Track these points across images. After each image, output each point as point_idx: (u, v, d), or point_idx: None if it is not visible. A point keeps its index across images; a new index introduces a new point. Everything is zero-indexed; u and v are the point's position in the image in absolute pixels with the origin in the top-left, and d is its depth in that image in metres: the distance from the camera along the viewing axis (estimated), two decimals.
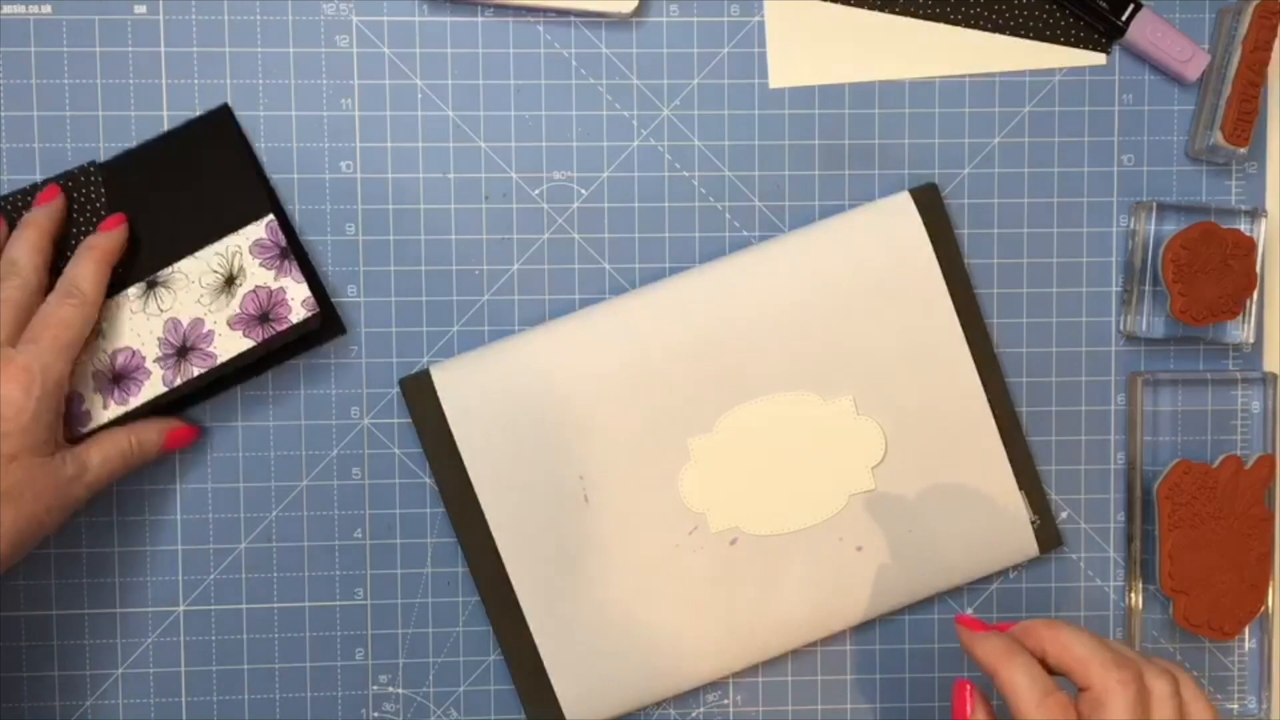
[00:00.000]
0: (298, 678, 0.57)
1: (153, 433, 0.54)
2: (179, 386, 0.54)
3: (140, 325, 0.54)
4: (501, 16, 0.57)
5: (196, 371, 0.54)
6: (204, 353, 0.54)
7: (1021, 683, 0.45)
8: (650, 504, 0.57)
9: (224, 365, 0.54)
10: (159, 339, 0.54)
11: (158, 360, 0.54)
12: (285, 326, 0.54)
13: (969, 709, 0.48)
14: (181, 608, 0.57)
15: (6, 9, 0.56)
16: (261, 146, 0.56)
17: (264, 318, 0.54)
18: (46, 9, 0.56)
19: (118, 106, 0.56)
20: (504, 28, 0.57)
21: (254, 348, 0.54)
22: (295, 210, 0.57)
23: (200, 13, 0.56)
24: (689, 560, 0.57)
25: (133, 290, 0.54)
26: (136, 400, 0.54)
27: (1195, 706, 0.46)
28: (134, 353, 0.54)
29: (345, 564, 0.57)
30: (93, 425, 0.53)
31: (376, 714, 0.58)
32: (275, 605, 0.57)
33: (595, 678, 0.57)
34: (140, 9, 0.56)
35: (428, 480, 0.57)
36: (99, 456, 0.52)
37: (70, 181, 0.55)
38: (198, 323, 0.54)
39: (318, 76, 0.57)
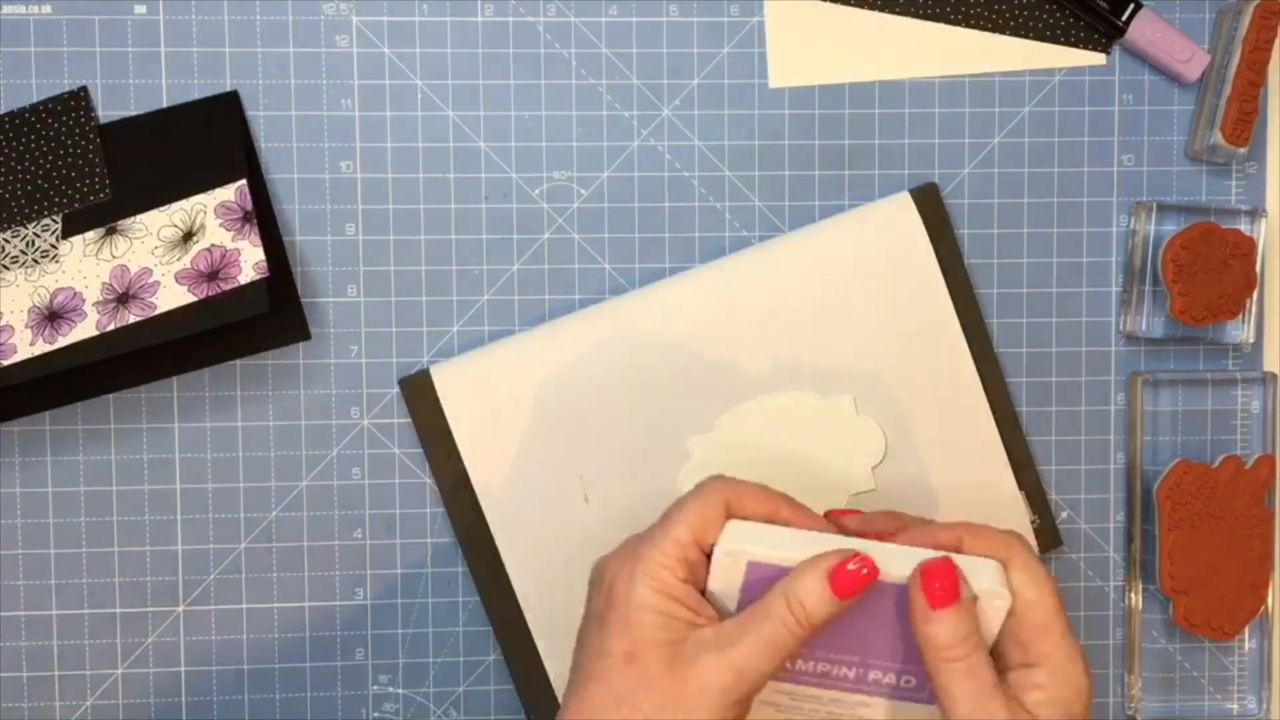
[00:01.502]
0: (298, 678, 0.57)
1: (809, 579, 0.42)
2: (110, 332, 0.53)
3: (89, 269, 0.54)
4: (501, 16, 0.57)
5: (133, 319, 0.53)
6: (145, 302, 0.53)
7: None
8: (650, 504, 0.56)
9: (161, 318, 0.53)
10: (103, 283, 0.54)
11: (96, 304, 0.53)
12: (232, 286, 0.53)
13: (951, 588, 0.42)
14: (181, 608, 0.57)
15: (6, 9, 0.56)
16: (262, 146, 0.56)
17: (213, 275, 0.53)
18: (46, 9, 0.56)
19: (118, 106, 0.56)
20: (504, 28, 0.57)
21: (194, 304, 0.53)
22: (295, 210, 0.57)
23: (200, 13, 0.56)
24: None
25: (90, 234, 0.54)
26: (65, 340, 0.53)
27: None
28: (75, 293, 0.53)
29: (345, 564, 0.57)
30: (16, 359, 0.53)
31: (376, 714, 0.58)
32: (275, 605, 0.57)
33: None
34: (140, 9, 0.56)
35: (428, 480, 0.57)
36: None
37: (60, 105, 0.55)
38: (145, 272, 0.53)
39: (318, 76, 0.57)
